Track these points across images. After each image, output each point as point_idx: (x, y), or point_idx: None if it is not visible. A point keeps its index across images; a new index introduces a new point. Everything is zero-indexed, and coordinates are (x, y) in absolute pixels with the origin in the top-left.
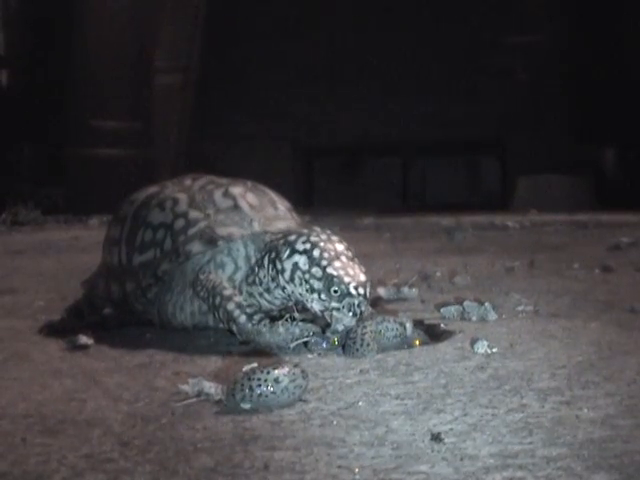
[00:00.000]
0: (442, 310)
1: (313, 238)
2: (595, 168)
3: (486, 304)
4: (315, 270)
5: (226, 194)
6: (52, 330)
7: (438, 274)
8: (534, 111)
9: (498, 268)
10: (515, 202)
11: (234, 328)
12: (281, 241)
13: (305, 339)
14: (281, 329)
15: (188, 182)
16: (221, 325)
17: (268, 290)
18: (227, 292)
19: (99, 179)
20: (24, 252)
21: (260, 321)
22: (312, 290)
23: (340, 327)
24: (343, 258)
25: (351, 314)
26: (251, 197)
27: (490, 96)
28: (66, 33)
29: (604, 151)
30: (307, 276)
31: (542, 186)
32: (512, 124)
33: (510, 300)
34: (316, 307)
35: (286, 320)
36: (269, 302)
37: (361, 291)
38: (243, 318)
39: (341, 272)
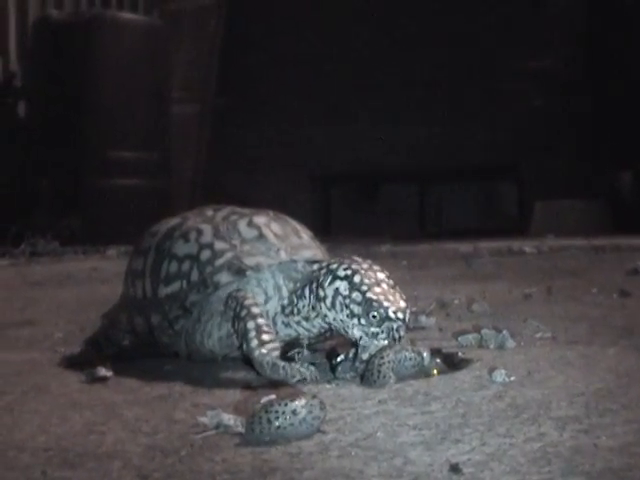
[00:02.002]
0: (460, 338)
1: (354, 266)
2: (612, 192)
3: (504, 332)
4: (355, 295)
5: (250, 224)
6: (71, 362)
7: (456, 302)
8: (550, 136)
9: (516, 295)
10: (532, 227)
11: (244, 346)
12: (323, 270)
13: (302, 380)
14: (281, 371)
15: (210, 213)
16: (235, 339)
17: (307, 319)
18: (255, 310)
19: (116, 210)
20: (42, 283)
21: (267, 354)
22: (352, 315)
23: (365, 356)
24: (383, 285)
25: (390, 339)
26: (275, 226)
27: (506, 122)
28: (83, 64)
29: (621, 175)
30: (347, 301)
31: (559, 211)
32: (528, 149)
33: (528, 327)
34: (356, 334)
35: (294, 355)
36: (307, 330)
37: (400, 315)
38: (254, 343)
39: (381, 297)
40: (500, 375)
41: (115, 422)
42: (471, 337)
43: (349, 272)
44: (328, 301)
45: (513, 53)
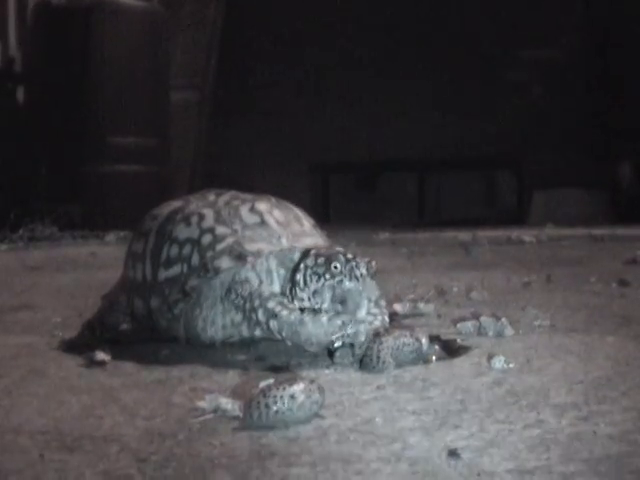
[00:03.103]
0: (458, 325)
1: (322, 250)
2: (611, 182)
3: (503, 319)
4: (320, 260)
5: (252, 210)
6: (69, 346)
7: (455, 289)
8: (550, 126)
9: (515, 283)
10: (531, 217)
11: (275, 325)
12: (299, 262)
13: (348, 330)
14: (324, 318)
15: (212, 197)
16: (257, 332)
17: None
18: (265, 293)
19: (115, 195)
20: (41, 268)
21: (303, 316)
22: (318, 277)
23: (361, 340)
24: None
25: (353, 279)
26: (277, 213)
27: (506, 111)
28: (83, 50)
29: (620, 165)
30: (314, 268)
31: (558, 200)
32: (528, 139)
33: (527, 315)
34: (327, 300)
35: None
36: None
37: (360, 259)
38: (285, 312)
39: (341, 253)
40: (499, 362)
41: (113, 406)
42: (470, 324)
43: (316, 250)
44: (301, 281)
45: (514, 43)
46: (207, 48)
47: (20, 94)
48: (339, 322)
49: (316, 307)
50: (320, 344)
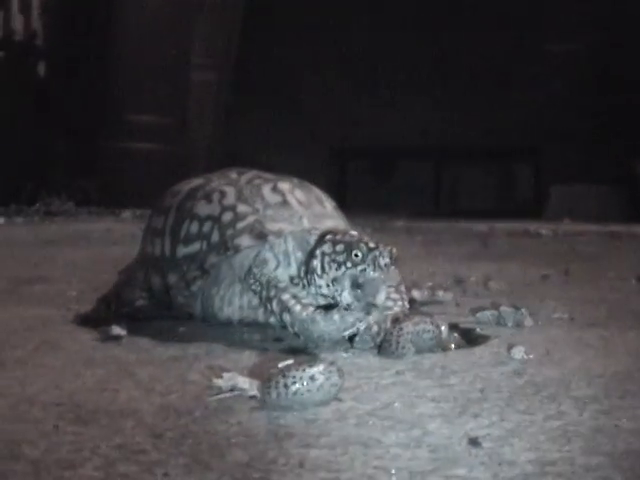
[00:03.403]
0: (478, 315)
1: (338, 236)
2: (630, 179)
3: (522, 310)
4: (339, 247)
5: (275, 189)
6: (84, 320)
7: (472, 279)
8: (569, 120)
9: (532, 275)
10: (548, 210)
11: (287, 318)
12: (315, 247)
13: (360, 325)
14: (336, 316)
15: (234, 175)
16: (272, 319)
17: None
18: (282, 284)
19: (132, 172)
20: (56, 242)
21: (315, 312)
22: (339, 266)
23: (378, 326)
24: (365, 239)
25: (377, 269)
26: (299, 193)
27: (525, 103)
28: (104, 26)
29: (639, 161)
30: (333, 256)
31: (576, 195)
32: (547, 132)
33: (545, 307)
34: (347, 298)
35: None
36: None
37: (381, 247)
38: (298, 307)
39: (361, 240)
40: (519, 352)
41: (128, 381)
42: (489, 314)
43: (332, 235)
44: (318, 268)
45: (536, 36)
46: (229, 29)
47: (41, 68)
48: (351, 319)
49: (335, 294)
50: (332, 340)
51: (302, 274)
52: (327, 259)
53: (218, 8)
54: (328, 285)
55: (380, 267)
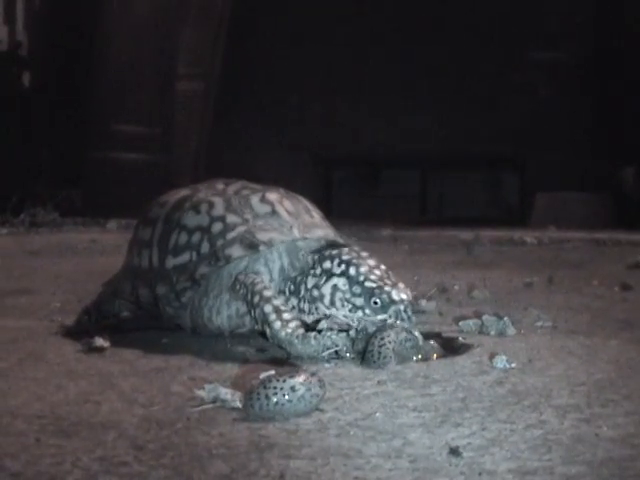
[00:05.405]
0: (460, 324)
1: (345, 257)
2: (614, 186)
3: (505, 319)
4: (355, 288)
5: (263, 200)
6: (68, 331)
7: (456, 287)
8: (554, 128)
9: (516, 283)
10: (533, 218)
11: (267, 331)
12: (317, 270)
13: (335, 349)
14: (313, 341)
15: (221, 186)
16: (256, 327)
17: (303, 313)
18: (267, 293)
19: (118, 183)
20: (41, 253)
21: (294, 331)
22: (355, 308)
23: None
24: (377, 271)
25: (400, 321)
26: (287, 204)
27: (511, 112)
28: (89, 37)
29: (623, 169)
30: (348, 295)
31: (561, 203)
32: (532, 140)
33: (529, 315)
34: (354, 319)
35: (318, 331)
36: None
37: (403, 296)
38: (278, 325)
39: (380, 283)
40: (501, 361)
41: (111, 392)
42: (472, 323)
43: (344, 267)
44: (326, 300)
45: (520, 44)
46: (214, 39)
47: (26, 79)
48: (328, 342)
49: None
50: (311, 359)
51: (292, 289)
52: (339, 295)
53: (203, 18)
54: (332, 316)
55: (403, 320)
